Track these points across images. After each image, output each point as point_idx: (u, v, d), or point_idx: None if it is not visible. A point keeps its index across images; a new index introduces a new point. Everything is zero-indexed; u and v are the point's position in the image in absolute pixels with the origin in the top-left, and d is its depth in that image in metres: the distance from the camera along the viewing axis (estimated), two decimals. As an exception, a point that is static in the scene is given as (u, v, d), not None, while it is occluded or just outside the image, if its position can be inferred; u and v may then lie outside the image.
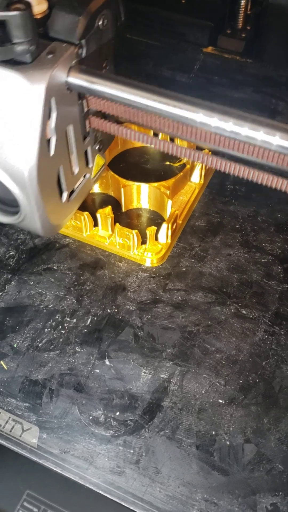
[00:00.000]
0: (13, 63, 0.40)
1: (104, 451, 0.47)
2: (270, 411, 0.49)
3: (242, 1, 0.80)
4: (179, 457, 0.47)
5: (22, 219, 0.46)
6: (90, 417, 0.49)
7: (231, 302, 0.55)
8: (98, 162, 0.53)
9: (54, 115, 0.42)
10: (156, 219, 0.62)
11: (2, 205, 0.48)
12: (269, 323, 0.54)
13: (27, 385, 0.51)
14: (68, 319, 0.55)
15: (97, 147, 0.52)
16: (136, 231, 0.57)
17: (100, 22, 0.45)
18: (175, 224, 0.59)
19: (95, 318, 0.55)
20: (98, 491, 0.46)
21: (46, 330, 0.54)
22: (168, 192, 0.59)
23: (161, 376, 0.51)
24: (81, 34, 0.43)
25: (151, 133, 0.59)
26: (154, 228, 0.57)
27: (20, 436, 0.49)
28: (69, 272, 0.58)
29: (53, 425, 0.49)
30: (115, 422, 0.49)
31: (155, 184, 0.60)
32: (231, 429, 0.48)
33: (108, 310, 0.55)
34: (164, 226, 0.58)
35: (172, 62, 0.80)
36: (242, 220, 0.61)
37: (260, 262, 0.58)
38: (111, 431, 0.48)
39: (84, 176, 0.51)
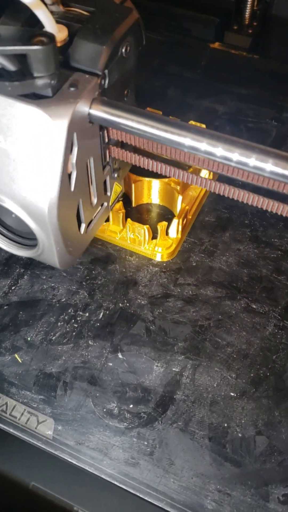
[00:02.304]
0: (34, 96, 0.38)
1: (118, 442, 0.48)
2: (281, 404, 0.50)
3: (249, -3, 0.81)
4: (192, 449, 0.48)
5: (40, 253, 0.46)
6: (104, 410, 0.50)
7: (241, 296, 0.56)
8: (115, 189, 0.53)
9: (75, 150, 0.40)
10: (166, 214, 0.63)
11: (20, 238, 0.48)
12: (279, 317, 0.54)
13: (42, 378, 0.52)
14: (80, 313, 0.56)
15: (115, 175, 0.51)
16: (147, 226, 0.57)
17: (123, 50, 0.43)
18: (185, 219, 0.60)
19: (107, 312, 0.56)
20: (113, 482, 0.47)
21: (59, 324, 0.55)
22: (178, 187, 0.60)
23: (173, 369, 0.52)
24: (104, 64, 0.41)
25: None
26: (165, 223, 0.58)
27: (36, 428, 0.49)
28: (81, 267, 0.59)
29: (67, 417, 0.50)
30: (128, 415, 0.50)
31: (166, 179, 0.61)
32: (243, 421, 0.49)
33: (120, 304, 0.56)
34: (175, 221, 0.58)
35: (179, 57, 0.80)
36: (251, 216, 0.62)
37: (270, 257, 0.58)
38: (125, 423, 0.49)
39: (102, 205, 0.51)
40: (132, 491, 0.47)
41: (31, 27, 0.42)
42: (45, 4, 0.39)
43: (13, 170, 0.41)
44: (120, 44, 0.43)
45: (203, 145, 0.39)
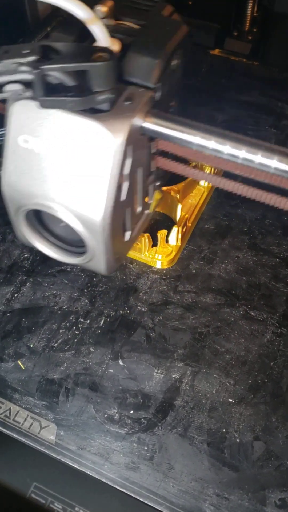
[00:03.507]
0: (90, 110, 0.39)
1: (119, 447, 0.50)
2: (278, 410, 0.51)
3: (249, 4, 0.81)
4: (191, 454, 0.49)
5: (88, 260, 0.47)
6: (105, 415, 0.51)
7: (240, 304, 0.57)
8: (156, 197, 0.54)
9: (128, 162, 0.41)
10: (165, 222, 0.64)
11: (66, 245, 0.49)
12: (277, 324, 0.56)
13: (44, 384, 0.53)
14: (82, 320, 0.57)
15: (157, 184, 0.52)
16: (148, 234, 0.58)
17: (174, 63, 0.44)
18: (185, 227, 0.61)
19: (108, 319, 0.57)
20: (114, 486, 0.48)
21: (61, 330, 0.56)
22: (178, 196, 0.61)
23: (173, 376, 0.53)
24: (157, 77, 0.42)
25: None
26: (165, 231, 0.59)
27: (39, 433, 0.51)
28: (82, 274, 0.60)
29: (69, 423, 0.51)
30: (129, 420, 0.51)
31: (165, 188, 0.62)
32: (241, 427, 0.50)
33: (121, 311, 0.57)
34: (174, 229, 0.59)
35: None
36: (250, 223, 0.63)
37: (268, 264, 0.60)
38: (125, 429, 0.50)
39: (143, 213, 0.52)
40: (132, 494, 0.48)
41: (83, 40, 0.43)
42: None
43: (68, 181, 0.42)
44: (171, 58, 0.44)
45: (258, 157, 0.39)
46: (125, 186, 0.42)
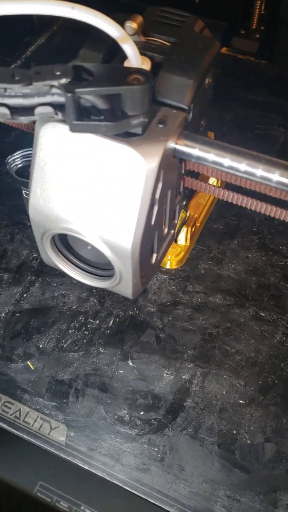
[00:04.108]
0: (122, 134, 0.38)
1: (129, 449, 0.49)
2: (288, 411, 0.51)
3: (257, 2, 0.81)
4: (202, 455, 0.49)
5: (115, 284, 0.46)
6: (115, 416, 0.51)
7: (249, 304, 0.57)
8: (181, 216, 0.53)
9: (160, 185, 0.40)
10: (174, 221, 0.64)
11: (92, 268, 0.48)
12: (287, 325, 0.55)
13: (54, 385, 0.53)
14: (91, 320, 0.57)
15: (183, 203, 0.51)
16: (157, 234, 0.58)
17: (207, 81, 0.43)
18: (194, 227, 0.61)
19: (117, 319, 0.57)
20: (125, 487, 0.48)
21: (70, 331, 0.56)
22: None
23: (183, 377, 0.53)
24: (191, 98, 0.41)
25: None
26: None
27: (49, 434, 0.51)
28: (91, 274, 0.60)
29: (79, 424, 0.51)
30: (139, 421, 0.51)
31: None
32: (252, 428, 0.50)
33: (130, 311, 0.57)
34: (183, 229, 0.59)
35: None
36: (259, 223, 0.63)
37: (278, 265, 0.59)
38: (136, 430, 0.50)
39: (170, 233, 0.51)
40: (143, 496, 0.48)
41: (112, 58, 0.42)
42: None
43: (97, 206, 0.41)
44: (205, 76, 0.42)
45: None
46: (155, 210, 0.41)
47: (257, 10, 0.82)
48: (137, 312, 0.57)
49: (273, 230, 0.62)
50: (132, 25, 0.42)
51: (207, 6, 0.84)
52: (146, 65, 0.41)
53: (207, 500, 0.47)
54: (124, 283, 0.45)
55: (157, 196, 0.40)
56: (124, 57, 0.40)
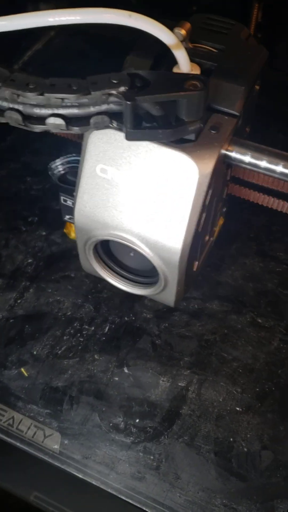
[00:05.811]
0: (175, 140, 0.38)
1: (124, 457, 0.49)
2: (286, 418, 0.50)
3: (254, 10, 0.81)
4: (198, 463, 0.48)
5: (158, 292, 0.46)
6: (111, 424, 0.50)
7: (247, 310, 0.56)
8: (218, 223, 0.53)
9: (210, 192, 0.40)
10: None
11: (134, 276, 0.48)
12: (285, 331, 0.55)
13: (48, 392, 0.52)
14: (86, 326, 0.56)
15: (224, 210, 0.51)
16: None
17: (255, 88, 0.43)
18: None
19: (113, 326, 0.56)
20: (120, 496, 0.47)
21: (65, 337, 0.55)
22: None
23: (179, 384, 0.52)
24: (242, 105, 0.41)
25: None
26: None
27: (42, 442, 0.50)
28: (86, 280, 0.59)
29: (74, 432, 0.50)
30: (135, 429, 0.50)
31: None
32: (248, 436, 0.49)
33: (126, 318, 0.56)
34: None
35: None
36: (257, 229, 0.62)
37: (275, 271, 0.59)
38: (131, 438, 0.49)
39: (210, 240, 0.51)
40: (138, 505, 0.47)
41: (159, 64, 0.42)
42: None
43: (147, 212, 0.41)
44: (255, 83, 0.43)
45: None
46: (204, 216, 0.41)
47: (254, 18, 0.82)
48: (133, 318, 0.56)
49: (271, 237, 0.62)
50: (181, 31, 0.41)
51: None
52: (195, 71, 0.41)
53: (203, 508, 0.46)
54: (168, 291, 0.45)
55: (207, 202, 0.40)
56: (171, 64, 0.40)
